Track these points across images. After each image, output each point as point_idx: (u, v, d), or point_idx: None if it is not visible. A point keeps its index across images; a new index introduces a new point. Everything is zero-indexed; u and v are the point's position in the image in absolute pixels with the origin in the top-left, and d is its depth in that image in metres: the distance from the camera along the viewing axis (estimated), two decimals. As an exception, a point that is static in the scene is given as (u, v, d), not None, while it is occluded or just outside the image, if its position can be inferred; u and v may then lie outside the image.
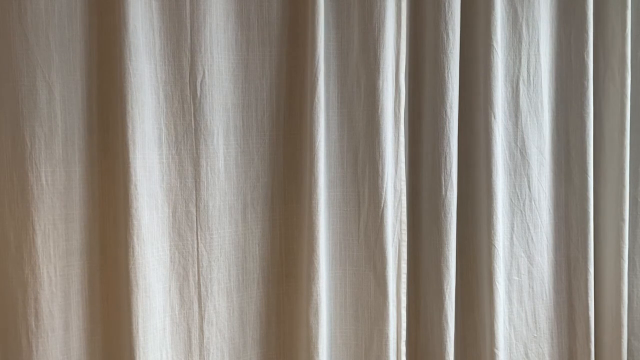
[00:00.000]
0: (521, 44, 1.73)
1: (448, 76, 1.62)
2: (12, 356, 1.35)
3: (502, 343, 1.73)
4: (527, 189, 1.77)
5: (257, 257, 1.54)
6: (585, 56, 1.76)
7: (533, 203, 1.77)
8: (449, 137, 1.63)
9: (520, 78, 1.74)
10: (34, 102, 1.31)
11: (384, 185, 1.56)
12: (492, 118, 1.67)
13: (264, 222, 1.54)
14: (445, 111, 1.62)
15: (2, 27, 1.29)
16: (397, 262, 1.61)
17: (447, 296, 1.65)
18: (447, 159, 1.63)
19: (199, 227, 1.47)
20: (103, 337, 1.41)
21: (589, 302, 1.81)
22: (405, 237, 1.62)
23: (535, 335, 1.81)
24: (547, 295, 1.81)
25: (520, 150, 1.75)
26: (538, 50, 1.74)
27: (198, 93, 1.45)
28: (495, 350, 1.71)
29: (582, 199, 1.79)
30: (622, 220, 1.83)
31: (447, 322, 1.66)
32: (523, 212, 1.77)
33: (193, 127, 1.45)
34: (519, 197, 1.77)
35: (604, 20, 1.83)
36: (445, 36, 1.61)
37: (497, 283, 1.70)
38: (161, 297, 1.44)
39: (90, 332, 1.40)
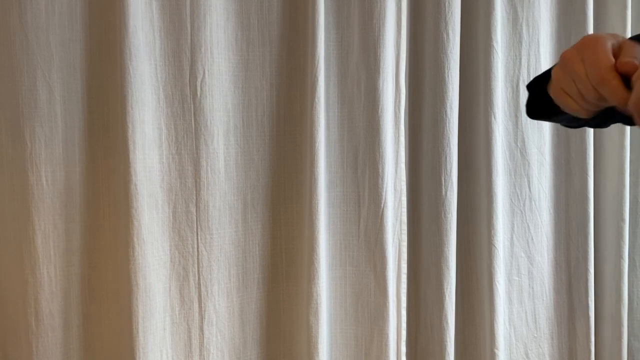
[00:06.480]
0: (521, 44, 1.73)
1: (448, 76, 1.62)
2: (12, 356, 1.35)
3: (502, 343, 1.73)
4: (527, 189, 1.77)
5: (257, 257, 1.54)
6: (585, 56, 1.76)
7: (533, 203, 1.77)
8: (449, 137, 1.63)
9: (521, 78, 1.74)
10: (34, 102, 1.31)
11: (384, 186, 1.56)
12: (492, 118, 1.67)
13: (264, 222, 1.54)
14: (445, 111, 1.62)
15: (2, 27, 1.29)
16: (397, 262, 1.61)
17: (447, 296, 1.65)
18: (447, 159, 1.63)
19: (199, 227, 1.47)
20: (103, 337, 1.41)
21: (589, 302, 1.81)
22: (405, 237, 1.62)
23: (535, 335, 1.81)
24: (547, 295, 1.81)
25: (520, 150, 1.75)
26: (538, 50, 1.74)
27: (198, 93, 1.45)
28: (495, 350, 1.71)
29: (582, 199, 1.79)
30: (622, 220, 1.83)
31: (447, 322, 1.66)
32: (523, 212, 1.77)
33: (193, 127, 1.45)
34: (519, 197, 1.76)
35: (604, 20, 1.83)
36: (445, 36, 1.61)
37: (497, 283, 1.70)
38: (161, 297, 1.44)
39: (90, 332, 1.40)
